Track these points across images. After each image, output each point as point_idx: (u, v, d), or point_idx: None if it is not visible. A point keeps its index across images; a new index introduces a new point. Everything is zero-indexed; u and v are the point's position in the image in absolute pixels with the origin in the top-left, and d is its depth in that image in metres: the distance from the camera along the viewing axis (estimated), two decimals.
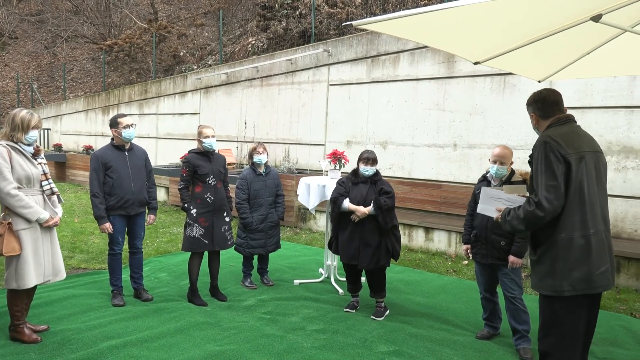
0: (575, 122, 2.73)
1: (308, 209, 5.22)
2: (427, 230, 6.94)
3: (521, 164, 6.65)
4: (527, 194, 2.98)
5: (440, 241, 6.82)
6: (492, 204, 2.90)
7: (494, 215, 2.85)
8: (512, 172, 3.76)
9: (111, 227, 4.41)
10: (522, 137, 6.81)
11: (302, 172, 8.93)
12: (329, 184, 5.00)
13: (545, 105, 2.73)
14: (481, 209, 3.05)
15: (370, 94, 8.44)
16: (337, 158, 5.41)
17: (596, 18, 2.68)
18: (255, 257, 5.31)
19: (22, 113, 3.64)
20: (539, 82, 4.10)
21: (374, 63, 8.39)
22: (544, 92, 2.78)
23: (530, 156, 2.64)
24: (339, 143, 8.79)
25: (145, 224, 4.73)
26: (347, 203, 4.25)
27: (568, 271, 2.50)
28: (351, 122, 8.69)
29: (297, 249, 6.97)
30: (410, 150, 7.96)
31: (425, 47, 7.65)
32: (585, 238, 2.50)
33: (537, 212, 2.48)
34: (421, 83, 7.82)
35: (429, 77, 7.72)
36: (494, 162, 3.71)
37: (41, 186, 3.71)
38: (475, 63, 3.48)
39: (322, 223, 8.06)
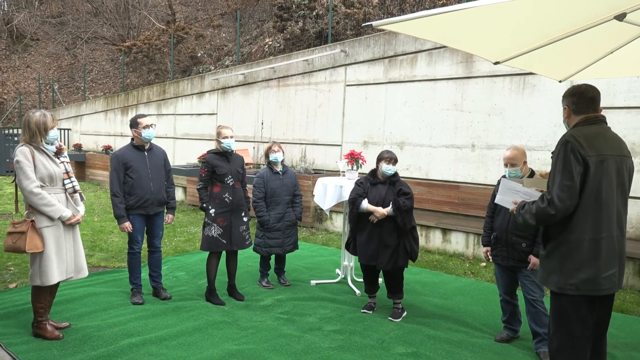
0: (606, 123, 2.68)
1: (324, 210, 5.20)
2: (445, 231, 6.90)
3: (541, 165, 6.57)
4: (541, 186, 2.97)
5: (458, 243, 6.77)
6: (509, 196, 2.92)
7: (510, 207, 2.88)
8: (532, 172, 3.71)
9: (131, 226, 4.47)
10: (542, 138, 6.73)
11: (318, 173, 8.93)
12: (346, 184, 5.00)
13: (581, 100, 2.69)
14: (499, 200, 3.06)
15: (387, 95, 8.41)
16: (354, 158, 5.40)
17: (620, 17, 2.64)
18: (273, 257, 5.33)
19: (36, 117, 3.62)
20: (560, 82, 4.05)
21: (391, 63, 8.36)
22: (582, 87, 2.74)
23: (552, 153, 2.64)
24: (356, 143, 8.78)
25: (164, 223, 4.78)
26: (365, 204, 4.25)
27: (575, 271, 2.52)
28: (368, 122, 8.67)
29: (314, 249, 6.98)
30: (427, 150, 7.92)
31: (443, 47, 7.59)
32: (596, 241, 2.50)
33: (549, 209, 2.50)
34: (439, 83, 7.78)
35: (447, 77, 7.67)
36: (505, 165, 3.71)
37: (64, 184, 3.78)
38: (496, 63, 3.46)
39: (338, 224, 8.06)
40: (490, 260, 3.90)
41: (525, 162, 3.72)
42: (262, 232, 5.11)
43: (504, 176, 3.83)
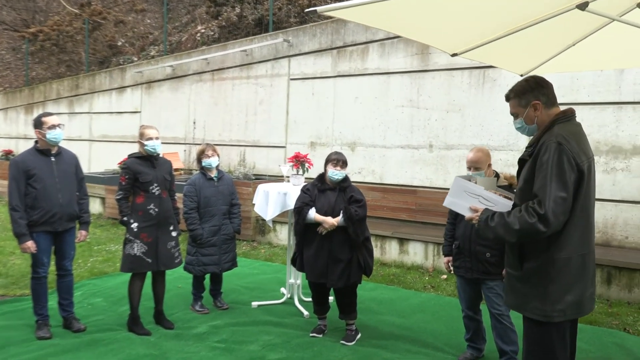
0: (576, 117, 2.68)
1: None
2: (402, 241, 6.99)
3: (503, 167, 6.80)
4: (500, 190, 2.93)
5: (416, 253, 6.88)
6: (465, 199, 2.73)
7: (466, 213, 2.72)
8: (497, 175, 3.79)
9: (34, 246, 4.24)
10: (503, 137, 6.97)
11: (260, 178, 8.89)
12: (291, 191, 4.98)
13: (549, 91, 2.66)
14: (449, 202, 2.80)
15: (336, 90, 8.47)
16: (299, 162, 5.38)
17: (582, 6, 2.74)
18: (207, 276, 5.21)
19: None
20: (521, 75, 4.19)
21: (340, 55, 8.43)
22: (541, 78, 2.71)
23: (529, 155, 2.56)
24: (302, 145, 8.80)
25: (76, 241, 4.58)
26: (313, 213, 4.23)
27: (562, 295, 2.47)
28: (315, 121, 8.71)
29: (255, 266, 6.89)
30: (381, 152, 8.03)
31: (397, 37, 7.73)
32: (583, 258, 2.51)
33: (539, 226, 2.38)
34: (393, 77, 7.91)
35: (402, 70, 7.82)
36: (468, 168, 3.75)
37: None
38: (453, 55, 3.49)
39: (283, 236, 8.01)
40: (452, 271, 3.96)
41: (489, 165, 3.79)
42: (194, 249, 4.99)
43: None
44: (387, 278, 6.40)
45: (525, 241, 2.53)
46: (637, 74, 6.05)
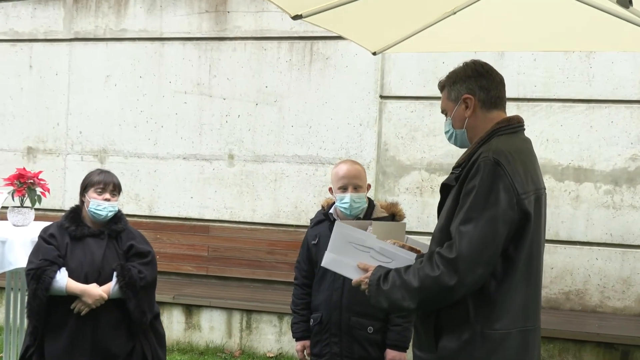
0: (524, 129, 2.76)
1: None
2: (189, 309, 6.97)
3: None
4: (403, 242, 2.94)
5: (214, 328, 6.88)
6: (350, 255, 2.76)
7: (354, 276, 2.73)
8: (371, 203, 3.92)
9: None
10: (341, 144, 7.32)
11: None
12: (13, 238, 4.72)
13: (493, 85, 2.72)
14: (330, 261, 2.86)
15: (73, 62, 8.27)
16: (26, 185, 5.09)
17: None
18: None
19: None
20: (374, 54, 4.45)
21: (79, 4, 8.23)
22: (485, 65, 2.78)
23: (456, 179, 2.58)
24: (11, 151, 8.48)
25: None
26: (63, 279, 4.01)
27: None
28: (36, 112, 8.43)
29: None
30: (151, 165, 7.97)
31: None
32: (525, 335, 2.58)
33: (445, 278, 2.39)
34: (169, 46, 7.93)
35: (184, 35, 7.87)
36: (343, 187, 3.76)
37: None
38: (295, 17, 3.54)
39: None
40: None
41: (369, 187, 3.91)
42: None
43: (325, 217, 3.93)
44: None
45: (433, 308, 2.57)
46: (522, 59, 6.85)
